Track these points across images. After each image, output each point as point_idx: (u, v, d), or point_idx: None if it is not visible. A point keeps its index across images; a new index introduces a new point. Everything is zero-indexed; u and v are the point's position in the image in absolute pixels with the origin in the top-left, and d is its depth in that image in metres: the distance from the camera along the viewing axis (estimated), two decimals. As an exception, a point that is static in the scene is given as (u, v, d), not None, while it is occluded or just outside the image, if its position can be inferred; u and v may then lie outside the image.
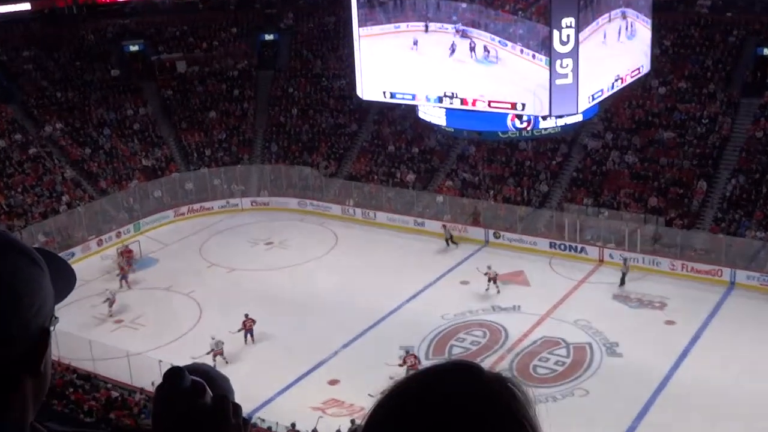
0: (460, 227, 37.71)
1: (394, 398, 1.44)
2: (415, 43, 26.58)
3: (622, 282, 31.90)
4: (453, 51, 26.12)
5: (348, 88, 42.69)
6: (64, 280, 1.66)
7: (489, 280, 31.89)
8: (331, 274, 34.03)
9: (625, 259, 32.49)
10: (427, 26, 26.48)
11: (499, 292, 31.75)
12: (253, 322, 29.04)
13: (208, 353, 27.43)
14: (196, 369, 1.90)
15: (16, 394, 1.49)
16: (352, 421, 23.59)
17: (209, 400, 1.65)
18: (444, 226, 36.81)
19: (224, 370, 26.27)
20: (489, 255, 35.65)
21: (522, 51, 25.25)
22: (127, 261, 35.77)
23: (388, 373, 23.02)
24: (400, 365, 25.61)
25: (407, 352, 26.87)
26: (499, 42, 25.34)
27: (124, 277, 34.82)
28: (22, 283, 1.49)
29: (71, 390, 24.62)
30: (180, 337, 29.74)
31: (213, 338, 28.02)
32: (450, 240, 36.58)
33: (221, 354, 27.61)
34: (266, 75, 49.34)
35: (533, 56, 25.04)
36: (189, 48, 50.42)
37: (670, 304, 30.48)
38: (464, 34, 25.83)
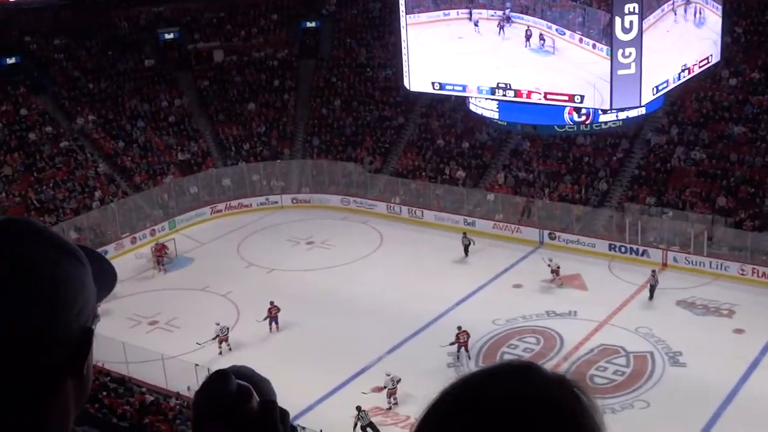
0: (513, 227, 37.80)
1: (445, 404, 1.40)
2: (476, 25, 26.68)
3: (651, 295, 31.46)
4: (505, 38, 26.27)
5: (394, 79, 42.97)
6: (105, 279, 1.68)
7: (552, 272, 32.88)
8: (375, 276, 34.33)
9: (653, 271, 31.86)
10: (477, 13, 26.65)
11: (562, 284, 32.71)
12: (278, 309, 30.55)
13: (214, 339, 29.18)
14: (238, 372, 2.03)
15: (58, 397, 1.50)
16: (358, 408, 24.25)
17: (256, 405, 1.66)
18: (464, 234, 36.36)
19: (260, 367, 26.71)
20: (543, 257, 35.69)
21: (581, 40, 25.32)
22: (159, 257, 36.74)
23: (435, 368, 23.17)
24: (452, 343, 27.81)
25: (459, 328, 28.19)
26: (557, 30, 25.44)
27: (160, 262, 36.26)
28: (65, 281, 1.50)
29: (104, 393, 25.22)
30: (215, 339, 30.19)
31: (218, 324, 29.51)
32: (467, 248, 36.01)
33: (226, 340, 29.33)
34: (308, 64, 49.80)
35: (593, 45, 25.08)
36: (227, 36, 51.08)
37: (738, 311, 30.30)
38: (510, 20, 25.95)
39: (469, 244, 35.93)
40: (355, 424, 24.55)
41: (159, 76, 48.45)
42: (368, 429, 24.70)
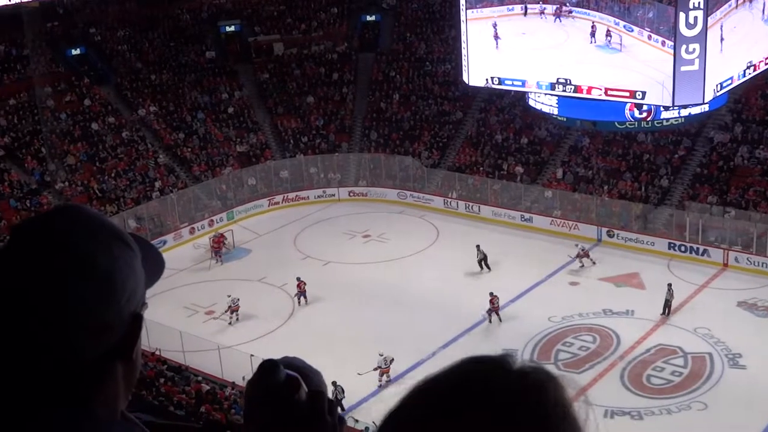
0: (570, 224, 37.52)
1: (404, 409, 1.37)
2: (542, 13, 26.48)
3: (666, 311, 29.84)
4: (567, 32, 26.07)
5: (453, 74, 42.92)
6: (154, 266, 1.69)
7: (579, 258, 33.86)
8: (430, 270, 34.32)
9: (669, 285, 30.17)
10: (541, 8, 26.47)
11: (594, 263, 34.02)
12: (305, 284, 32.28)
13: (225, 312, 31.48)
14: (289, 363, 2.04)
15: (109, 381, 1.53)
16: (334, 383, 24.49)
17: (304, 396, 1.67)
18: (477, 246, 34.54)
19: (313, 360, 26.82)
20: (601, 255, 35.40)
21: (650, 37, 25.01)
22: (217, 249, 37.11)
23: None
24: (489, 311, 29.98)
25: (491, 294, 30.03)
26: (625, 27, 25.16)
27: (217, 253, 36.64)
28: (117, 267, 1.52)
29: (162, 381, 25.60)
30: (272, 331, 30.52)
31: (229, 296, 31.72)
32: (483, 262, 34.43)
33: (237, 311, 31.48)
34: (367, 58, 49.91)
35: (663, 43, 24.73)
36: (287, 29, 51.41)
37: (802, 313, 29.74)
38: (569, 14, 25.73)
39: (484, 258, 34.32)
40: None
41: (219, 69, 48.96)
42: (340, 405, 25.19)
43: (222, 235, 38.07)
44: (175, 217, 40.17)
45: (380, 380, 26.77)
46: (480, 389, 1.30)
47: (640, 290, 32.29)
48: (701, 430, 23.69)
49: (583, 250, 34.49)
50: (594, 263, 34.21)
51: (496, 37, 27.84)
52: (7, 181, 38.93)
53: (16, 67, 44.62)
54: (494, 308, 30.11)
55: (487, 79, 28.74)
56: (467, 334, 29.36)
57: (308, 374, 1.98)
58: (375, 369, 26.83)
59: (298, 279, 32.52)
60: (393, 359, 26.69)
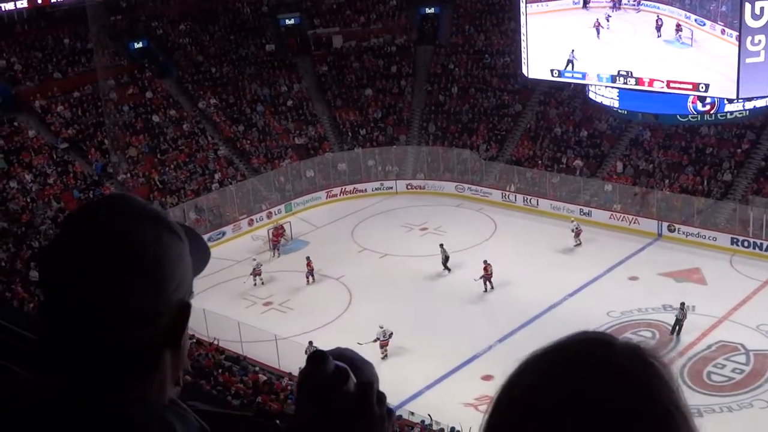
0: (630, 218, 37.06)
1: (518, 389, 1.35)
2: (607, 17, 26.18)
3: (675, 330, 27.97)
4: (634, 28, 25.71)
5: (512, 66, 42.65)
6: (201, 255, 1.70)
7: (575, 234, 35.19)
8: (488, 264, 34.12)
9: (682, 304, 28.11)
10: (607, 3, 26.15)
11: (579, 244, 35.28)
12: (311, 261, 34.34)
13: (251, 274, 33.84)
14: (341, 354, 2.01)
15: (158, 368, 1.56)
16: (310, 342, 26.21)
17: (353, 387, 1.66)
18: (441, 246, 34.33)
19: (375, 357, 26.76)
20: (661, 249, 34.99)
21: (723, 31, 24.54)
22: (275, 241, 37.36)
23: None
24: (481, 277, 31.77)
25: (485, 261, 32.04)
26: (696, 21, 24.71)
27: (275, 246, 37.01)
28: (166, 256, 1.55)
29: (219, 371, 25.85)
30: (329, 323, 30.64)
31: (254, 259, 34.70)
32: (445, 263, 34.14)
33: (260, 274, 34.11)
34: (426, 51, 49.80)
35: (737, 38, 24.22)
36: (346, 22, 51.51)
37: None
38: (637, 6, 25.34)
39: (446, 259, 34.06)
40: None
41: (279, 61, 49.23)
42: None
43: (281, 227, 38.32)
44: (234, 209, 40.53)
45: (382, 353, 27.64)
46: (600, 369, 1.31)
47: (701, 286, 31.79)
48: (764, 429, 23.23)
49: (577, 228, 35.47)
50: (580, 244, 35.51)
51: (598, 27, 27.36)
52: (72, 173, 39.60)
53: (80, 60, 45.36)
54: (487, 276, 31.77)
55: (546, 72, 28.49)
56: (523, 329, 29.15)
57: (359, 366, 1.98)
58: (374, 341, 27.70)
59: (308, 259, 34.51)
60: (392, 333, 27.92)
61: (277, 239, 37.35)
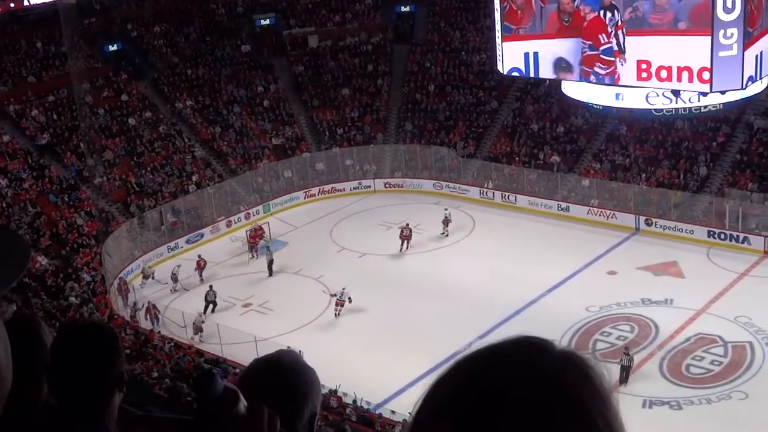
0: (608, 213, 37.20)
1: (443, 387, 1.35)
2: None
3: (622, 379, 24.97)
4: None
5: (488, 63, 42.69)
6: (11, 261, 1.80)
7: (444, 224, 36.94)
8: (467, 261, 34.21)
9: (626, 348, 25.77)
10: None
11: (446, 234, 37.08)
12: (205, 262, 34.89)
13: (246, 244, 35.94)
14: (281, 358, 2.16)
15: (110, 406, 2.34)
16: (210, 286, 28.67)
17: (243, 410, 1.68)
18: (268, 248, 35.79)
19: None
20: (639, 243, 35.16)
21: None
22: (253, 243, 37.06)
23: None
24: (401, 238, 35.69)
25: (407, 224, 36.16)
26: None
27: (253, 248, 36.63)
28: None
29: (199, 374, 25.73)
30: (308, 323, 30.58)
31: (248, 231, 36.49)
32: (270, 266, 35.20)
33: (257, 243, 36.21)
34: (402, 49, 49.80)
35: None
36: (321, 21, 51.44)
37: None
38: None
39: (272, 261, 35.07)
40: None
41: (255, 62, 49.10)
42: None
43: (260, 228, 38.20)
44: (212, 211, 40.38)
45: (336, 311, 30.37)
46: (520, 372, 1.31)
47: (679, 279, 31.95)
48: (742, 420, 23.37)
49: (447, 217, 37.31)
50: (446, 234, 37.14)
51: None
52: (47, 177, 39.33)
53: (54, 63, 45.05)
54: (405, 237, 35.88)
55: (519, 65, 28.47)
56: (503, 325, 29.19)
57: (298, 371, 2.01)
58: (332, 295, 30.53)
59: (255, 228, 36.21)
60: (351, 299, 30.15)
61: (255, 241, 37.16)
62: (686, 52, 24.01)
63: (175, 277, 33.98)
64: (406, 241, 35.93)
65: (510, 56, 25.58)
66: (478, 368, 1.34)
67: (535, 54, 24.98)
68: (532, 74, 25.89)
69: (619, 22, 23.12)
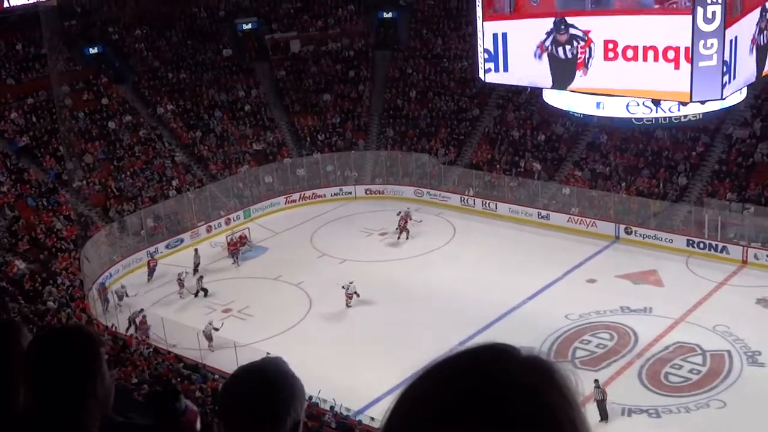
0: (588, 221, 37.37)
1: (412, 396, 1.37)
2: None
3: (602, 415, 23.80)
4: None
5: (470, 70, 42.80)
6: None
7: (400, 229, 37.79)
8: (447, 268, 34.27)
9: (596, 381, 24.41)
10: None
11: (408, 238, 37.81)
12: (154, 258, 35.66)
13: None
14: (265, 367, 2.23)
15: (92, 412, 2.49)
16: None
17: (199, 428, 1.75)
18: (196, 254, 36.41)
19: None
20: (618, 252, 35.33)
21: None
22: (234, 251, 36.91)
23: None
24: (398, 228, 37.58)
25: (407, 212, 37.86)
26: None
27: (233, 255, 36.43)
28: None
29: (178, 379, 25.65)
30: (288, 329, 30.53)
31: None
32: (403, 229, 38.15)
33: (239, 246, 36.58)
34: (384, 55, 49.88)
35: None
36: (303, 26, 51.45)
37: (822, 311, 29.50)
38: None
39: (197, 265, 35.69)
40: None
41: (236, 66, 49.04)
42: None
43: (243, 236, 38.16)
44: (192, 216, 40.26)
45: (347, 303, 31.45)
46: (485, 380, 1.32)
47: (658, 287, 32.12)
48: (720, 429, 23.51)
49: (405, 216, 38.13)
50: (408, 238, 37.96)
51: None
52: (26, 180, 39.11)
53: (34, 66, 44.84)
54: (403, 226, 37.54)
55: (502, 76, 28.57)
56: (484, 332, 29.24)
57: (282, 378, 2.05)
58: (342, 287, 31.42)
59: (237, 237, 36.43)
60: (358, 294, 31.34)
61: (236, 247, 36.97)
62: (652, 31, 24.13)
63: (181, 283, 33.83)
64: (405, 231, 37.70)
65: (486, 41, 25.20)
66: (445, 377, 1.35)
67: (504, 35, 24.78)
68: (500, 59, 25.56)
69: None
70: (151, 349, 28.28)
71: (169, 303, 33.32)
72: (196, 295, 33.58)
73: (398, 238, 37.82)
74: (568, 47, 22.22)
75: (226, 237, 38.11)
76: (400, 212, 38.26)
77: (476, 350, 1.39)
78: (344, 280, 31.97)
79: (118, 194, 40.39)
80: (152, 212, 39.51)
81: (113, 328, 30.43)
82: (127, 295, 32.99)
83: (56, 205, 38.36)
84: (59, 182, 39.90)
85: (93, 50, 46.96)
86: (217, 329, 29.19)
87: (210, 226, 40.01)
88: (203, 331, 29.13)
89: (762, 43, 22.20)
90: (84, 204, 39.41)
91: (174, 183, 41.84)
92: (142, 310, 30.84)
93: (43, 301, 31.17)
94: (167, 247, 38.19)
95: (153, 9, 50.88)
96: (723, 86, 23.94)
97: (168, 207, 40.23)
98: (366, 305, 31.54)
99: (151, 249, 37.22)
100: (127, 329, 30.43)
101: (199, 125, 45.53)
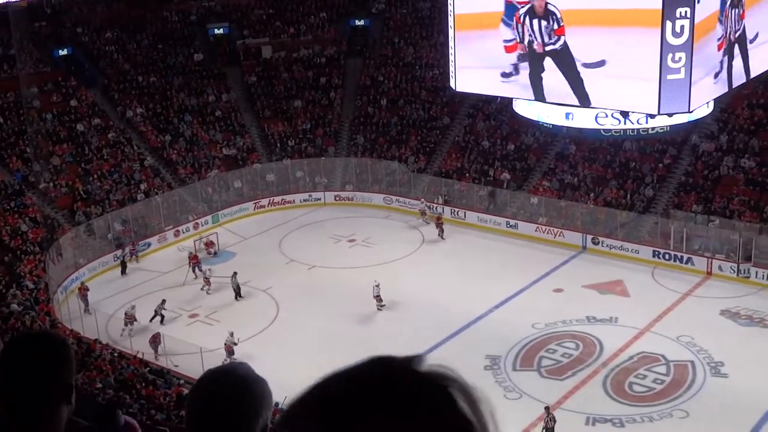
0: (555, 231, 37.58)
1: (298, 415, 1.36)
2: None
3: None
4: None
5: (441, 79, 42.92)
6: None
7: (439, 229, 38.62)
8: (415, 276, 34.32)
9: (546, 408, 24.20)
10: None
11: (427, 222, 39.38)
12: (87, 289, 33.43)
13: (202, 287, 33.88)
14: (234, 370, 2.22)
15: (58, 417, 2.49)
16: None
17: None
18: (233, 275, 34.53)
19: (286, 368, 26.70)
20: (585, 262, 35.55)
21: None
22: (196, 263, 35.87)
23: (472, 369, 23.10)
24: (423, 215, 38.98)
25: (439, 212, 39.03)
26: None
27: (197, 266, 35.61)
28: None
29: (143, 384, 25.48)
30: (255, 334, 30.42)
31: (210, 269, 34.43)
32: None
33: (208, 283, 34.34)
34: (355, 63, 49.91)
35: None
36: (275, 32, 51.37)
37: (784, 323, 29.85)
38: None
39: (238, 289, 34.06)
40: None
41: (207, 71, 48.85)
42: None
43: (210, 242, 37.98)
44: (160, 220, 40.02)
45: (378, 306, 31.52)
46: (379, 394, 1.29)
47: (624, 298, 32.36)
48: (682, 439, 23.73)
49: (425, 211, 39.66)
50: (427, 222, 39.45)
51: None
52: (-8, 182, 38.74)
53: (2, 66, 44.40)
54: (439, 223, 38.35)
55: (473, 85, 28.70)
56: (451, 340, 29.35)
57: (251, 383, 2.05)
58: (374, 296, 31.49)
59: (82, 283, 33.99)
60: (379, 291, 31.35)
61: (197, 260, 36.00)
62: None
63: (207, 279, 34.01)
64: (440, 229, 38.50)
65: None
66: (329, 395, 1.33)
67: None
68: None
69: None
70: (116, 354, 28.06)
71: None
72: (237, 297, 33.54)
73: (441, 236, 38.50)
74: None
75: (195, 242, 37.94)
76: (423, 212, 40.11)
77: (362, 367, 1.36)
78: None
79: (86, 197, 40.07)
80: (120, 216, 39.24)
81: (78, 333, 30.18)
82: (135, 320, 30.90)
83: (22, 207, 37.98)
84: (26, 184, 39.53)
85: (62, 52, 46.61)
86: (236, 343, 28.22)
87: (178, 231, 39.80)
88: (224, 344, 28.05)
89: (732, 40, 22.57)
90: (51, 206, 39.07)
91: (142, 187, 41.59)
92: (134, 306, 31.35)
93: (6, 303, 30.82)
94: (135, 250, 37.90)
95: (124, 12, 50.65)
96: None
97: (136, 211, 39.97)
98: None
99: (83, 276, 35.50)
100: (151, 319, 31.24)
101: (169, 129, 45.31)
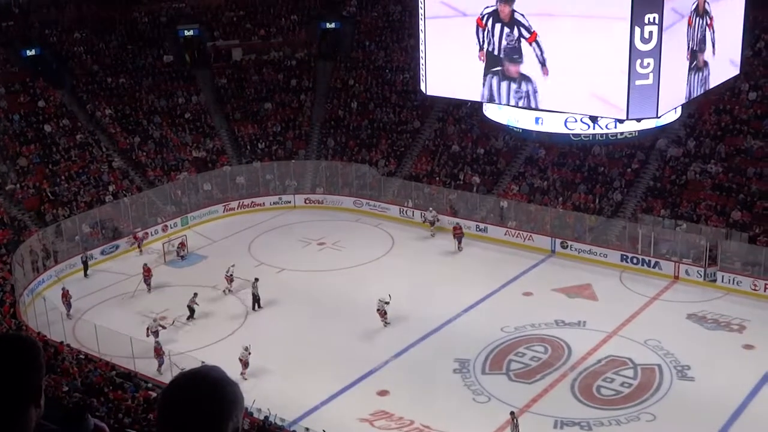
0: (525, 235, 37.72)
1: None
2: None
3: None
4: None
5: (412, 83, 43.01)
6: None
7: (457, 240, 37.75)
8: (385, 279, 34.26)
9: (512, 413, 24.29)
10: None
11: (433, 235, 38.63)
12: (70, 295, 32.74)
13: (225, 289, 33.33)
14: (206, 373, 2.23)
15: (26, 421, 2.48)
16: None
17: None
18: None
19: (265, 376, 26.52)
20: (554, 266, 35.73)
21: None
22: (147, 276, 35.02)
23: (441, 371, 23.07)
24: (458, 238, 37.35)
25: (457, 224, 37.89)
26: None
27: (146, 280, 34.68)
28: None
29: (110, 388, 25.23)
30: (224, 337, 30.30)
31: (233, 265, 34.13)
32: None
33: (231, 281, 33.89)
34: (326, 66, 49.87)
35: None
36: (246, 35, 51.23)
37: (749, 326, 30.14)
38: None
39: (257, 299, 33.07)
40: None
41: (177, 73, 48.61)
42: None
43: (182, 243, 37.76)
44: (129, 222, 39.73)
45: (382, 322, 30.46)
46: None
47: (592, 301, 32.55)
48: (649, 441, 23.88)
49: (434, 217, 39.07)
50: (433, 235, 38.71)
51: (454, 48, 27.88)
52: (-43, 183, 38.30)
53: (-32, 66, 43.99)
54: (458, 234, 37.41)
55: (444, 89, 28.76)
56: (420, 343, 29.37)
57: (223, 385, 2.05)
58: (377, 310, 30.53)
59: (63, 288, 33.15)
60: (388, 302, 30.35)
61: (149, 274, 34.94)
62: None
63: (230, 278, 33.81)
64: (459, 240, 37.55)
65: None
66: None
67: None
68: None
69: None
70: (83, 357, 27.80)
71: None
72: (254, 306, 32.68)
73: (459, 248, 37.63)
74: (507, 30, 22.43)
75: (164, 244, 37.73)
76: (429, 221, 39.47)
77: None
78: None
79: (53, 198, 39.72)
80: (88, 218, 38.90)
81: (44, 336, 29.88)
82: (163, 327, 30.22)
83: (-11, 208, 37.60)
84: (-8, 185, 39.12)
85: (30, 52, 46.23)
86: (249, 353, 27.53)
87: (147, 233, 39.51)
88: (239, 358, 27.26)
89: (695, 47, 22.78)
90: (17, 208, 38.68)
91: (111, 188, 41.29)
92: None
93: (-28, 306, 30.47)
94: (102, 253, 37.63)
95: (93, 12, 50.28)
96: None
97: (104, 212, 39.66)
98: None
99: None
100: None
101: (138, 131, 45.02)
